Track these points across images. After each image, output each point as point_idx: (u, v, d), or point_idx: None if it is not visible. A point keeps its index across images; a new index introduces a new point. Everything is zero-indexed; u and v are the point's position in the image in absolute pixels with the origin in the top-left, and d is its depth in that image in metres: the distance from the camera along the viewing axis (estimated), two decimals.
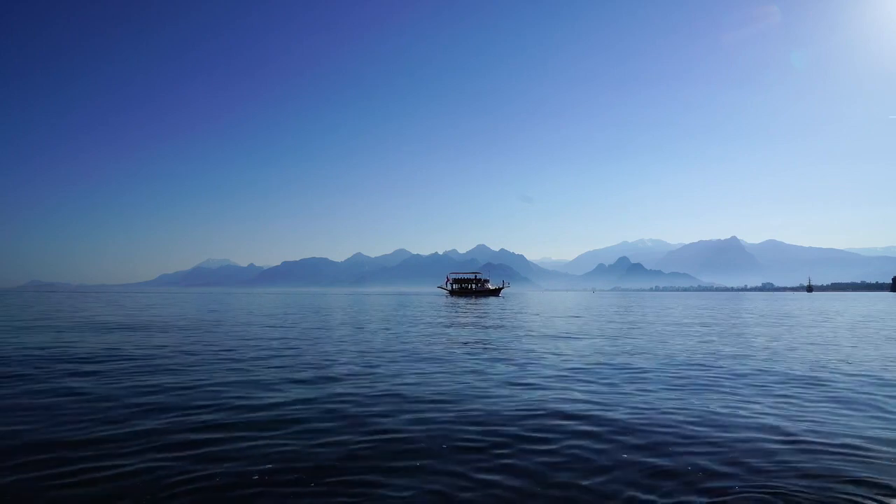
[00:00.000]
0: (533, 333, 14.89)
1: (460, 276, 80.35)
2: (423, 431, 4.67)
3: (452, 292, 78.31)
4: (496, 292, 78.23)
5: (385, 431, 4.69)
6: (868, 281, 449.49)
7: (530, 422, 5.00)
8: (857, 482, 3.54)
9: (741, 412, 5.45)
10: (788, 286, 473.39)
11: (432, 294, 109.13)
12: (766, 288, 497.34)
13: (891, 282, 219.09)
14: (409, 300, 54.79)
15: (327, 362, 9.03)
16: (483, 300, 53.28)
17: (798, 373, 8.12)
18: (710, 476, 3.65)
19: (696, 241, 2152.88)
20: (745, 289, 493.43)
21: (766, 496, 3.32)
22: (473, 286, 77.60)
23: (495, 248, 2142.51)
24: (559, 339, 13.16)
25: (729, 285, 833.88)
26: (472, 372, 8.00)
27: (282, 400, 5.96)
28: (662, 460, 3.94)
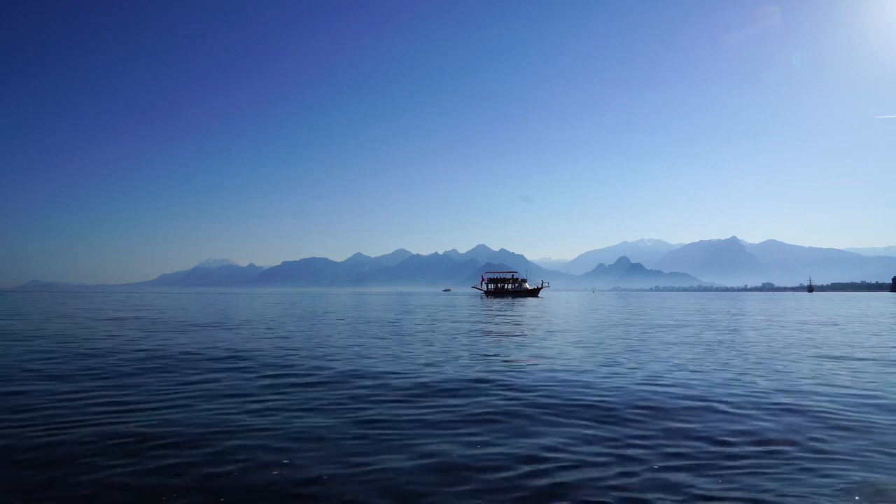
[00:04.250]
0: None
1: (496, 275, 76.45)
2: None
3: (488, 293, 74.77)
4: (535, 292, 73.77)
5: None
6: (868, 281, 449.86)
7: None
8: None
9: None
10: (789, 286, 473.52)
11: (434, 294, 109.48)
12: (767, 288, 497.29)
13: (891, 282, 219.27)
14: (436, 300, 53.54)
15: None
16: (521, 301, 50.13)
17: None
18: None
19: (696, 241, 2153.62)
20: (745, 289, 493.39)
21: None
22: (510, 286, 73.85)
23: (495, 248, 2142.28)
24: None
25: (729, 285, 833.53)
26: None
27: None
28: None
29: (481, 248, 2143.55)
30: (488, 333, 15.08)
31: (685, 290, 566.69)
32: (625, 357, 9.94)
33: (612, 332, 15.92)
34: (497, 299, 55.75)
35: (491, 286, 75.70)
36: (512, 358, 9.88)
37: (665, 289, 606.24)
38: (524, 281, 74.58)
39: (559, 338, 13.71)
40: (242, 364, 9.03)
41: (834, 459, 4.02)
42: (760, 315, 26.89)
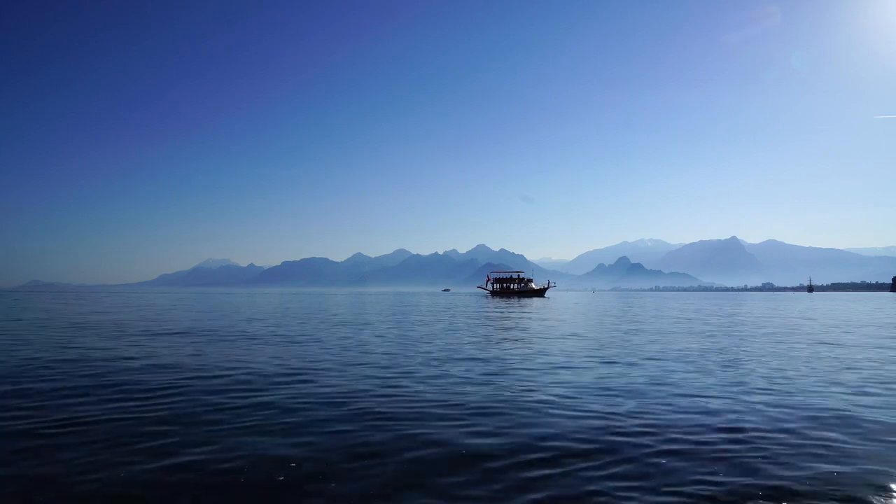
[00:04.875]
0: None
1: (502, 275, 76.34)
2: None
3: (494, 292, 74.58)
4: (541, 292, 73.04)
5: None
6: (868, 281, 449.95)
7: None
8: None
9: None
10: (789, 286, 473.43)
11: (434, 294, 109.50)
12: (767, 288, 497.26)
13: (891, 282, 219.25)
14: (446, 300, 53.27)
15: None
16: (527, 301, 49.41)
17: None
18: None
19: (696, 241, 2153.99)
20: (745, 289, 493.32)
21: None
22: (516, 286, 73.43)
23: (495, 248, 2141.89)
24: None
25: (729, 285, 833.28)
26: None
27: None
28: None
29: (481, 248, 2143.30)
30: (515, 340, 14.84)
31: (685, 290, 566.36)
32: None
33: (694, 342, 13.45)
34: (503, 299, 54.89)
35: (496, 286, 75.31)
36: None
37: (665, 289, 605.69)
38: (530, 281, 73.72)
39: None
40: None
41: None
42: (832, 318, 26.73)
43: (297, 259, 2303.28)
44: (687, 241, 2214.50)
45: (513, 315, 25.16)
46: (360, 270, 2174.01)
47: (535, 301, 51.25)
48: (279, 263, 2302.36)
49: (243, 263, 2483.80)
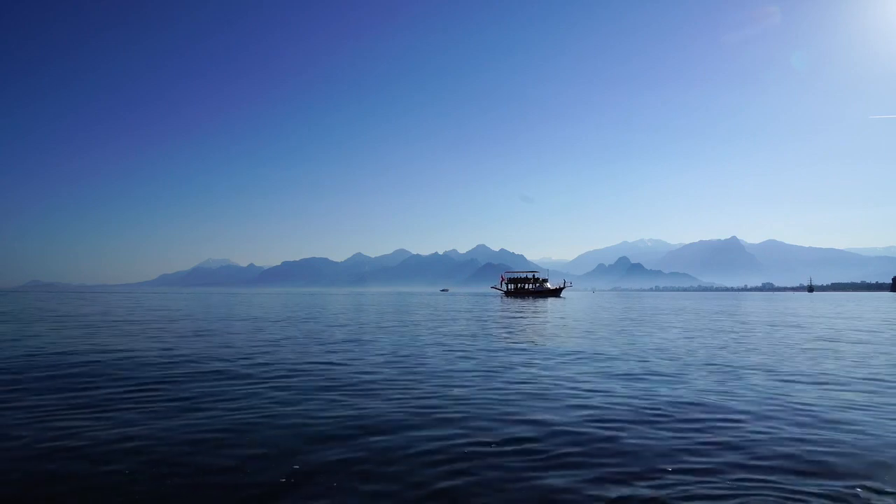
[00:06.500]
0: None
1: (516, 275, 76.02)
2: None
3: (508, 293, 74.16)
4: (556, 292, 72.05)
5: None
6: (868, 281, 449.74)
7: None
8: None
9: None
10: (789, 286, 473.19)
11: (435, 294, 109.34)
12: (767, 288, 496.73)
13: (891, 282, 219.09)
14: (447, 301, 52.88)
15: None
16: (546, 301, 48.25)
17: None
18: None
19: (696, 241, 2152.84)
20: (745, 289, 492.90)
21: None
22: (531, 286, 72.93)
23: (495, 248, 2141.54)
24: None
25: (729, 285, 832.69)
26: None
27: None
28: None
29: (481, 248, 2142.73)
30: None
31: (685, 290, 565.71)
32: None
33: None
34: (519, 300, 53.93)
35: (511, 286, 75.07)
36: None
37: (665, 289, 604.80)
38: (545, 280, 73.17)
39: None
40: None
41: None
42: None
43: (297, 259, 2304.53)
44: (687, 241, 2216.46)
45: (554, 312, 24.78)
46: (360, 270, 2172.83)
47: (553, 301, 49.92)
48: (279, 263, 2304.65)
49: (243, 263, 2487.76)
